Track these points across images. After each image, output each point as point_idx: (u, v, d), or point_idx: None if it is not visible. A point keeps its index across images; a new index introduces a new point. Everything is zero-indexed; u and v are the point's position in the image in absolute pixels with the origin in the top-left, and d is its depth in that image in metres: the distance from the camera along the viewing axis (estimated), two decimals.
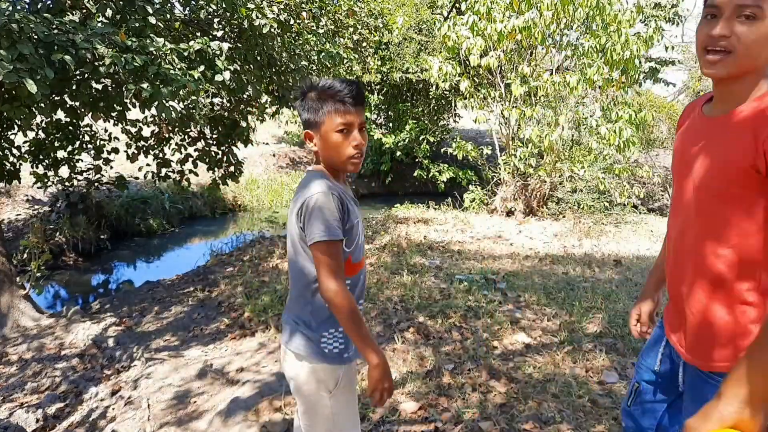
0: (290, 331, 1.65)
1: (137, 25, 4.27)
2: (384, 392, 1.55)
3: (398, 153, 13.28)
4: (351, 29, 8.19)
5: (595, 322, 3.86)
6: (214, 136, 6.62)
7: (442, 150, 10.67)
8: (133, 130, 6.14)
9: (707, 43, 1.22)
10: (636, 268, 5.50)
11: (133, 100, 4.65)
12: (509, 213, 8.87)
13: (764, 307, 1.26)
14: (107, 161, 6.22)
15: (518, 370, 3.15)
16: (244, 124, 6.60)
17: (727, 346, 1.28)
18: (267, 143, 14.74)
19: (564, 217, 8.52)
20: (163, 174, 6.47)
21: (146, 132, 6.36)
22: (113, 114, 5.06)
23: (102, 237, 8.35)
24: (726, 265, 1.27)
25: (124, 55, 3.79)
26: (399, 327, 3.84)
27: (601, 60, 7.50)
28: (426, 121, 13.53)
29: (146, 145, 6.31)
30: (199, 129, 6.40)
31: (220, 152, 6.67)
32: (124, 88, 4.14)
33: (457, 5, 9.06)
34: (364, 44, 9.26)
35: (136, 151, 6.25)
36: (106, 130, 6.21)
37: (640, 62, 7.62)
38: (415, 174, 12.92)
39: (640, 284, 4.86)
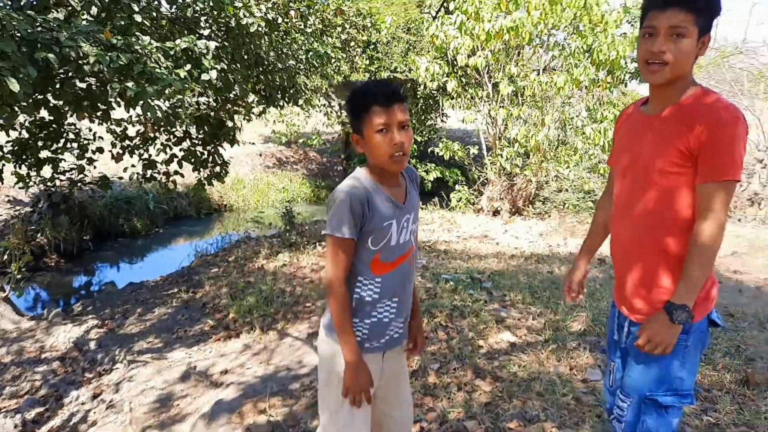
0: (327, 308, 1.71)
1: (123, 23, 4.22)
2: (354, 393, 1.62)
3: None
4: (339, 28, 8.17)
5: (580, 320, 3.88)
6: (200, 135, 6.56)
7: (429, 150, 10.70)
8: (118, 129, 6.07)
9: (647, 57, 1.50)
10: None
11: (118, 99, 4.60)
12: (495, 212, 8.90)
13: None
14: (91, 161, 6.14)
15: (503, 369, 3.15)
16: (230, 123, 6.56)
17: None
18: (253, 143, 14.66)
19: (549, 216, 8.57)
20: (148, 175, 6.40)
21: (131, 131, 6.29)
22: (98, 113, 5.00)
23: (84, 238, 8.24)
24: (667, 232, 1.54)
25: (109, 54, 3.74)
26: None
27: (588, 60, 7.55)
28: (413, 121, 13.53)
29: (131, 145, 6.24)
30: (184, 129, 6.35)
31: (205, 152, 6.61)
32: (108, 87, 4.09)
33: (445, 5, 9.08)
34: (352, 43, 9.24)
35: (120, 151, 6.18)
36: (90, 130, 6.13)
37: (626, 63, 7.68)
38: None
39: None
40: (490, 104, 8.62)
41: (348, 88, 1.75)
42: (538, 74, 8.02)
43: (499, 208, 8.87)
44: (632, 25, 10.72)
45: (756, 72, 11.21)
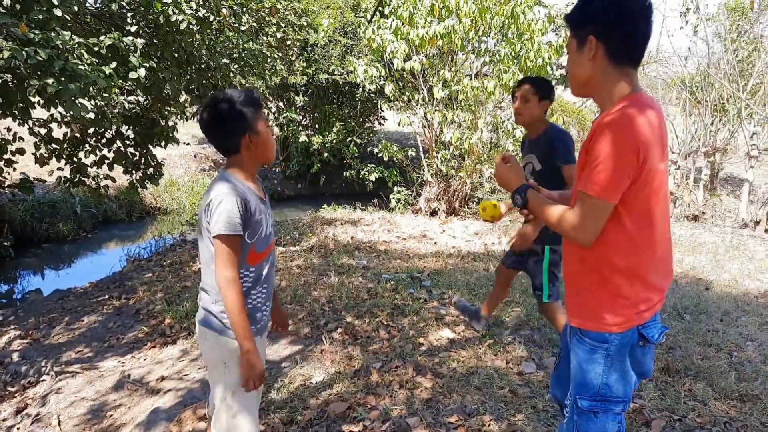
0: (201, 304, 1.89)
1: (41, 17, 3.99)
2: (254, 379, 1.78)
3: (326, 154, 13.24)
4: (274, 27, 8.07)
5: (514, 315, 4.05)
6: (132, 137, 6.30)
7: (368, 150, 10.77)
8: (43, 131, 5.70)
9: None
10: None
11: (38, 98, 4.34)
12: (433, 213, 9.08)
13: (622, 280, 1.55)
14: (10, 162, 5.74)
15: (443, 365, 3.24)
16: (163, 123, 6.32)
17: (593, 312, 1.60)
18: (188, 143, 14.20)
19: None
20: (76, 179, 6.05)
21: (57, 133, 5.91)
22: (14, 110, 4.69)
23: (5, 244, 7.70)
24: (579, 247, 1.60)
25: (26, 49, 3.53)
26: (327, 328, 3.84)
27: (516, 66, 7.84)
28: (353, 123, 13.56)
29: (58, 148, 5.85)
30: (115, 129, 6.07)
31: (137, 153, 6.35)
32: (26, 84, 3.85)
33: (380, 8, 9.15)
34: (288, 43, 9.15)
35: (46, 154, 5.79)
36: (9, 130, 5.73)
37: (551, 69, 8.03)
38: (347, 174, 12.98)
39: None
40: (425, 107, 8.78)
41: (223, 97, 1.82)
42: (471, 79, 8.25)
43: (436, 209, 9.06)
44: (557, 33, 11.22)
45: (669, 80, 12.03)
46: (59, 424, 2.89)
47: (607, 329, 1.56)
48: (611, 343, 1.57)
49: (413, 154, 9.58)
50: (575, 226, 1.51)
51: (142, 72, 4.54)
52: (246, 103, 1.79)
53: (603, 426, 1.62)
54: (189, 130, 15.11)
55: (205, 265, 1.85)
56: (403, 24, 7.81)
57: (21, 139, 5.70)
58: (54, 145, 5.80)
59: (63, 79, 3.76)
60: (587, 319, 1.61)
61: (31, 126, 5.49)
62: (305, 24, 9.71)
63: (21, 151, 5.57)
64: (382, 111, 14.28)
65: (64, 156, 5.92)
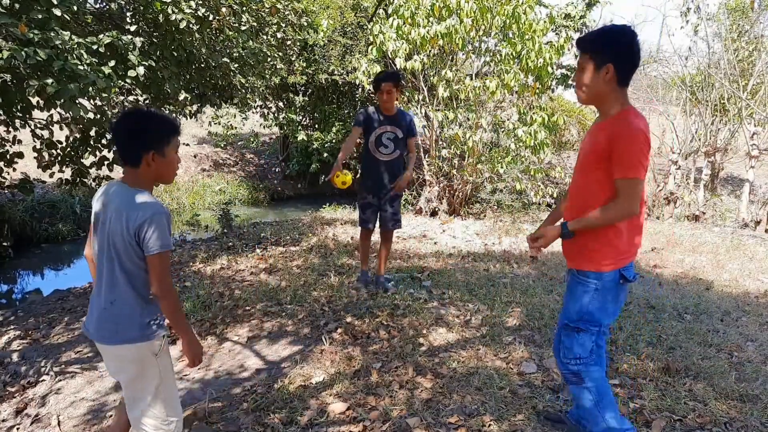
0: (113, 328, 1.94)
1: (40, 16, 3.97)
2: (199, 355, 2.07)
3: (325, 154, 13.23)
4: (275, 27, 8.07)
5: (515, 315, 4.04)
6: None
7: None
8: (45, 133, 5.67)
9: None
10: (551, 263, 5.80)
11: (38, 98, 4.32)
12: (433, 213, 9.07)
13: (615, 234, 2.11)
14: (10, 162, 5.72)
15: (443, 366, 3.23)
16: None
17: (590, 256, 2.15)
18: (188, 144, 14.20)
19: (485, 216, 8.84)
20: (77, 181, 6.04)
21: (59, 135, 5.88)
22: (15, 110, 4.68)
23: (4, 244, 7.70)
24: (587, 210, 2.12)
25: (25, 49, 3.53)
26: (327, 328, 3.83)
27: (517, 66, 7.84)
28: (353, 124, 13.56)
29: (61, 153, 5.80)
30: None
31: None
32: (25, 84, 3.84)
33: (383, 8, 9.15)
34: (289, 42, 9.15)
35: (50, 159, 5.74)
36: (9, 131, 5.71)
37: (552, 69, 8.03)
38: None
39: (555, 279, 5.14)
40: (426, 107, 8.77)
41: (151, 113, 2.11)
42: (472, 79, 8.25)
43: (437, 209, 9.05)
44: (557, 34, 11.21)
45: (670, 80, 12.02)
46: (59, 425, 2.89)
47: (601, 269, 2.12)
48: (602, 279, 2.13)
49: None
50: (625, 206, 2.03)
51: (141, 70, 4.53)
52: (171, 124, 1.94)
53: (582, 341, 2.22)
54: (188, 130, 15.14)
55: (128, 292, 1.92)
56: (404, 23, 7.81)
57: (19, 141, 5.68)
58: (57, 150, 5.75)
59: (62, 79, 3.75)
60: (586, 261, 2.15)
61: (32, 128, 5.47)
62: (305, 24, 9.71)
63: (20, 155, 5.53)
64: None
65: (67, 160, 5.89)
